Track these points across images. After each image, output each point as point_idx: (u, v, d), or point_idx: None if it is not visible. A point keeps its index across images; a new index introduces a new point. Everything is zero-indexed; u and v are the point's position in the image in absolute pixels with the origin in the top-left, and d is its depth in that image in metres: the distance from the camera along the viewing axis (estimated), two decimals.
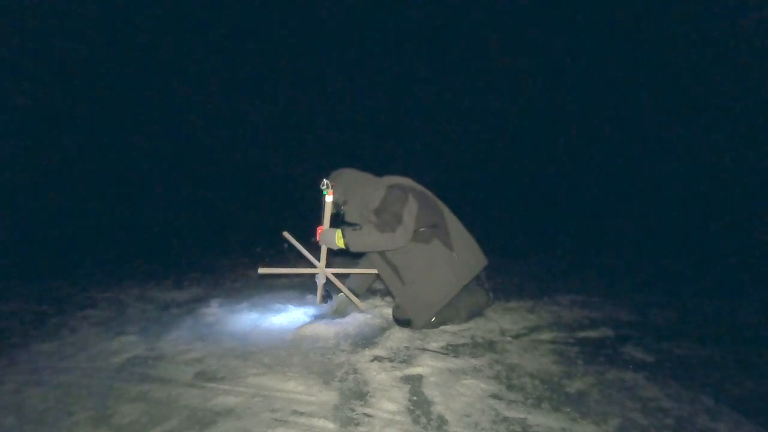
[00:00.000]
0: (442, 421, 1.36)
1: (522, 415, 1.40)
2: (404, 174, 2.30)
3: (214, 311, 2.39)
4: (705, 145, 7.01)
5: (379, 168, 2.44)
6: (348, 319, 2.23)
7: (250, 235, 4.89)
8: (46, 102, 7.10)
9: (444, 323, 2.13)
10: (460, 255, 2.07)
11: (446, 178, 8.01)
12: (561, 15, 8.72)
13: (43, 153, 6.96)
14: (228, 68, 9.53)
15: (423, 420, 1.37)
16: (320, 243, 2.18)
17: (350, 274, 2.38)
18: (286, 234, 2.26)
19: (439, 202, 2.20)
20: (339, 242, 2.05)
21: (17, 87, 6.77)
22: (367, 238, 1.99)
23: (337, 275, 2.28)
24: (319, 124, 9.95)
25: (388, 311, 2.29)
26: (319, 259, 2.27)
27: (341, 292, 2.31)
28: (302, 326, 2.12)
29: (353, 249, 2.04)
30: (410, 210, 2.01)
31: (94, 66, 7.79)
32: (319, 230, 2.14)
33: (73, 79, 7.45)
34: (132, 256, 3.94)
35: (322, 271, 2.26)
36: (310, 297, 2.64)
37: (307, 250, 2.29)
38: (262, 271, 2.20)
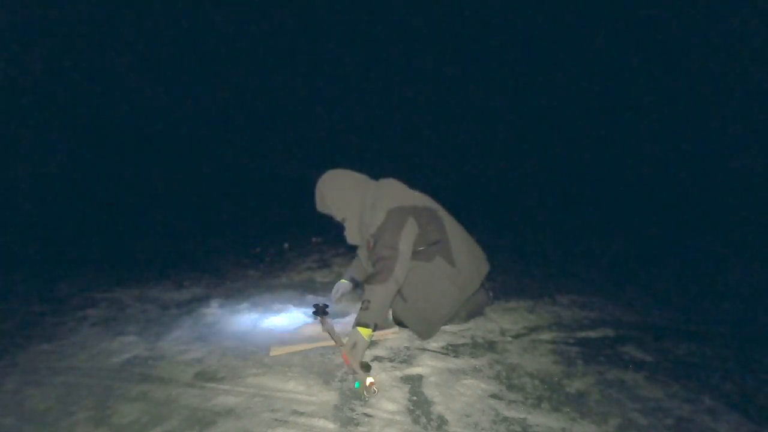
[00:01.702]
0: (442, 421, 1.36)
1: (522, 415, 1.40)
2: (400, 174, 2.22)
3: (214, 311, 2.39)
4: (708, 146, 7.02)
5: (378, 167, 2.40)
6: (348, 319, 2.23)
7: (250, 235, 4.89)
8: (45, 102, 7.10)
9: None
10: (463, 268, 2.00)
11: (446, 178, 8.02)
12: (564, 14, 8.73)
13: (43, 153, 6.96)
14: (227, 68, 9.54)
15: (423, 420, 1.37)
16: (355, 362, 1.65)
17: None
18: (275, 351, 1.86)
19: (441, 212, 2.09)
20: (367, 335, 1.71)
21: (18, 88, 6.78)
22: (380, 301, 1.77)
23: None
24: (318, 124, 9.96)
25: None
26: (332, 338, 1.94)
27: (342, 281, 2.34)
28: (302, 326, 2.12)
29: (381, 321, 1.81)
30: (408, 235, 1.89)
31: (94, 65, 7.79)
32: (344, 357, 1.66)
33: (72, 79, 7.45)
34: (132, 256, 3.94)
35: (340, 344, 1.84)
36: (310, 297, 2.64)
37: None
38: (274, 353, 1.84)
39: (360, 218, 2.02)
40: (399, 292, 1.94)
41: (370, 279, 1.84)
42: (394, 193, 2.05)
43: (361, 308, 1.77)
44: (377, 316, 1.75)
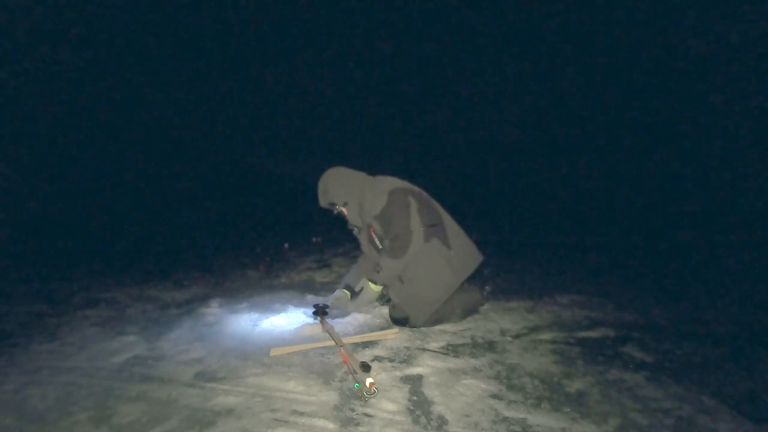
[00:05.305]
0: (442, 421, 1.36)
1: (522, 415, 1.40)
2: (399, 173, 2.30)
3: (214, 311, 2.39)
4: (708, 146, 7.02)
5: (379, 167, 2.43)
6: (348, 319, 2.23)
7: (250, 236, 4.89)
8: (47, 103, 7.10)
9: (439, 321, 2.14)
10: (458, 253, 2.11)
11: (446, 177, 8.01)
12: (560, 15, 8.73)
13: (43, 153, 6.97)
14: (227, 68, 9.54)
15: (423, 420, 1.37)
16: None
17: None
18: (275, 351, 1.84)
19: (435, 202, 2.23)
20: (375, 289, 2.19)
21: (18, 89, 6.78)
22: (390, 271, 2.09)
23: (354, 344, 1.96)
24: (318, 124, 9.96)
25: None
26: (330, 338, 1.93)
27: (340, 293, 2.29)
28: (302, 326, 2.12)
29: (387, 283, 2.16)
30: (415, 213, 2.06)
31: (95, 68, 7.79)
32: (344, 357, 1.68)
33: (72, 81, 7.45)
34: (132, 256, 3.94)
35: (340, 344, 1.83)
36: (310, 297, 2.64)
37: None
38: (274, 353, 1.83)
39: (360, 203, 2.18)
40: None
41: (386, 253, 2.11)
42: (390, 180, 2.24)
43: (374, 269, 2.16)
44: (384, 280, 2.13)
